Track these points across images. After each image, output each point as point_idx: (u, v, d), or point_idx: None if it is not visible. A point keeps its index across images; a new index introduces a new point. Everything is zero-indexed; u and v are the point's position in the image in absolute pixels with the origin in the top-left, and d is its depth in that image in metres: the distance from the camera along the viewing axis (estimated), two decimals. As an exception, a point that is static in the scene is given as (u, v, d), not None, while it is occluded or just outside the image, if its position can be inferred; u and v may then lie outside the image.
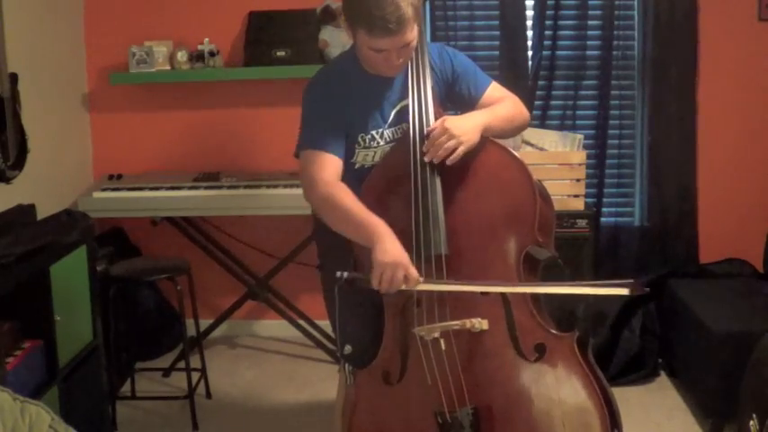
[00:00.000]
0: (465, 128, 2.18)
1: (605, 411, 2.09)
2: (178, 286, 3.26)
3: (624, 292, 2.06)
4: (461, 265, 2.18)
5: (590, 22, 3.90)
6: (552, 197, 2.33)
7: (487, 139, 2.25)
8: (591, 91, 3.96)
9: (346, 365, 2.24)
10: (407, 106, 2.27)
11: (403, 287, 2.06)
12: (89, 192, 3.71)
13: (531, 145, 3.61)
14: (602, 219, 3.98)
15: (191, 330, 3.59)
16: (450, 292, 2.15)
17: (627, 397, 3.34)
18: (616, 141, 3.98)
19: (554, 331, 2.16)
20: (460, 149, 2.15)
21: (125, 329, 3.59)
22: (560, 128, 3.88)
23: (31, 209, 3.02)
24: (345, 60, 2.37)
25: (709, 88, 3.88)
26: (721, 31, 3.84)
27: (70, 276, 2.83)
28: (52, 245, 2.71)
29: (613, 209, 4.07)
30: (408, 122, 2.25)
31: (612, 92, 3.93)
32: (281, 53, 3.79)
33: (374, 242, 2.06)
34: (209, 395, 3.59)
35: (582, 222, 3.50)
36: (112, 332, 3.25)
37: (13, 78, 3.04)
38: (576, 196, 3.54)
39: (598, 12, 3.89)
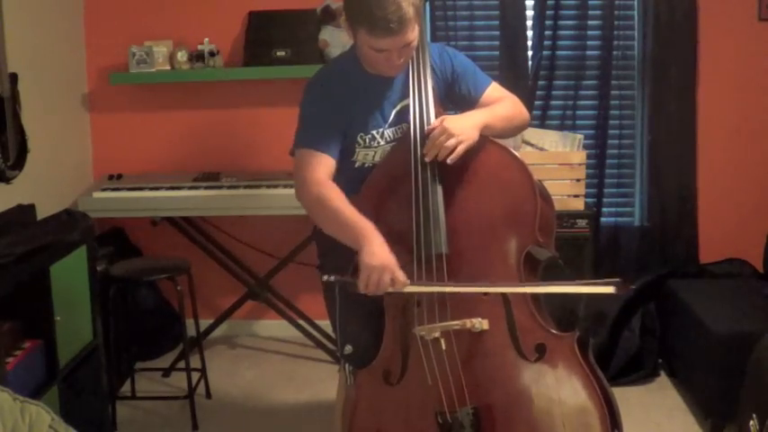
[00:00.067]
0: (464, 127, 2.18)
1: (605, 411, 2.09)
2: (178, 286, 3.26)
3: (610, 290, 2.07)
4: (462, 265, 2.18)
5: (590, 22, 3.90)
6: (552, 197, 2.33)
7: (488, 138, 2.25)
8: (591, 91, 3.96)
9: (346, 365, 2.24)
10: (408, 106, 2.28)
11: (390, 290, 2.06)
12: (89, 192, 3.71)
13: (531, 145, 3.61)
14: (602, 219, 3.98)
15: (191, 330, 3.59)
16: (450, 293, 2.15)
17: (627, 397, 3.34)
18: (616, 141, 3.98)
19: (554, 331, 2.16)
20: (460, 148, 2.15)
21: (125, 329, 3.59)
22: (560, 128, 3.88)
23: (31, 209, 3.02)
24: (346, 60, 2.37)
25: (709, 88, 3.88)
26: (721, 31, 3.84)
27: (70, 276, 2.83)
28: (52, 245, 2.71)
29: (613, 209, 4.07)
30: (409, 122, 2.26)
31: (612, 92, 3.93)
32: (281, 53, 3.80)
33: (361, 245, 2.07)
34: (209, 395, 3.59)
35: (582, 222, 3.50)
36: (112, 332, 3.25)
37: (13, 78, 3.04)
38: (576, 196, 3.54)
39: (598, 12, 3.89)
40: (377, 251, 2.06)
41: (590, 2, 3.87)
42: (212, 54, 3.87)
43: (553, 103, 3.97)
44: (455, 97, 2.40)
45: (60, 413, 2.12)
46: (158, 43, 3.88)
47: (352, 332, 2.27)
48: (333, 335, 3.60)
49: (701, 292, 3.47)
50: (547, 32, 3.89)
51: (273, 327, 4.21)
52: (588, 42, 3.92)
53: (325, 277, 2.12)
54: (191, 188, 3.69)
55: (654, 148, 3.92)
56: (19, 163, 3.09)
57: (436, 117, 2.24)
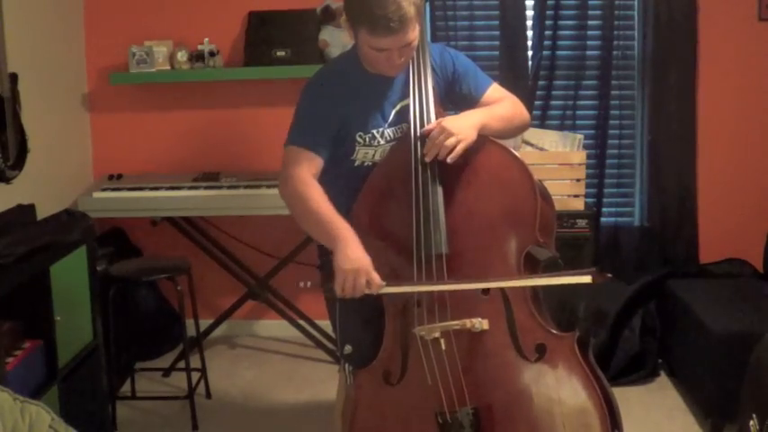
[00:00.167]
0: (462, 126, 2.18)
1: (605, 411, 2.09)
2: (178, 286, 3.26)
3: (587, 279, 2.06)
4: (462, 265, 2.18)
5: (590, 22, 3.90)
6: (552, 197, 2.33)
7: (488, 138, 2.25)
8: (591, 91, 3.96)
9: (346, 365, 2.24)
10: (408, 106, 2.28)
11: (366, 291, 2.07)
12: (89, 192, 3.71)
13: (531, 145, 3.61)
14: (602, 219, 3.98)
15: (191, 330, 3.59)
16: (450, 292, 2.15)
17: (627, 397, 3.34)
18: (616, 141, 3.98)
19: (554, 331, 2.16)
20: (460, 147, 2.15)
21: (125, 329, 3.58)
22: (560, 128, 3.88)
23: (31, 209, 3.02)
24: (346, 60, 2.37)
25: (709, 88, 3.88)
26: (721, 31, 3.84)
27: (70, 276, 2.83)
28: (52, 245, 2.71)
29: (613, 209, 4.07)
30: (409, 122, 2.26)
31: (612, 92, 3.93)
32: (281, 53, 3.79)
33: (336, 247, 2.09)
34: (209, 395, 3.59)
35: (582, 222, 3.50)
36: (112, 332, 3.25)
37: (13, 78, 3.04)
38: (576, 196, 3.54)
39: (598, 12, 3.89)
40: (351, 254, 2.07)
41: (590, 2, 3.87)
42: (212, 54, 3.87)
43: (553, 103, 3.97)
44: (456, 97, 2.40)
45: (60, 413, 2.12)
46: (158, 43, 3.88)
47: (352, 332, 2.27)
48: (333, 335, 3.60)
49: (701, 292, 3.47)
50: (547, 32, 3.89)
51: (273, 327, 4.21)
52: (588, 42, 3.92)
53: (302, 283, 2.13)
54: (191, 188, 3.69)
55: (654, 148, 3.92)
56: (19, 163, 3.09)
57: (436, 117, 2.24)
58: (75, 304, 2.88)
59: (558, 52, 3.93)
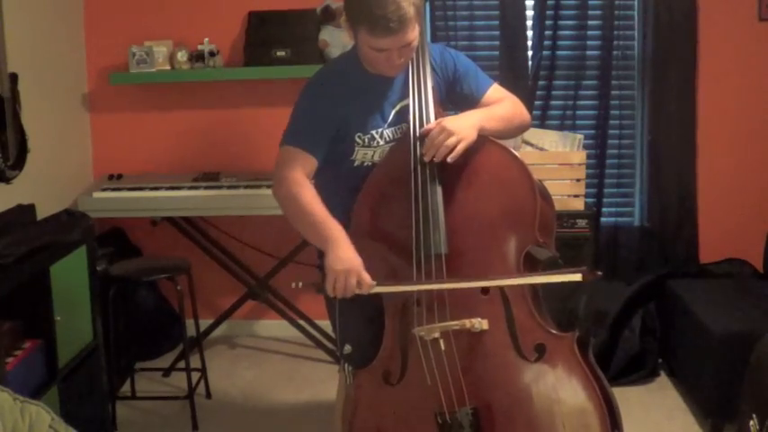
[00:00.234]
0: (462, 126, 2.18)
1: (605, 411, 2.09)
2: (178, 286, 3.26)
3: (577, 277, 2.07)
4: (462, 265, 2.18)
5: (590, 22, 3.90)
6: (552, 197, 2.33)
7: (487, 138, 2.24)
8: (591, 91, 3.96)
9: (346, 365, 2.24)
10: (407, 106, 2.27)
11: (357, 291, 2.08)
12: (89, 192, 3.71)
13: (531, 145, 3.61)
14: (602, 219, 3.98)
15: (191, 330, 3.58)
16: (450, 292, 2.15)
17: (627, 397, 3.34)
18: (616, 141, 3.98)
19: (554, 331, 2.16)
20: (460, 146, 2.15)
21: (125, 329, 3.59)
22: (560, 128, 3.88)
23: (31, 209, 3.02)
24: (347, 60, 2.37)
25: (709, 88, 3.88)
26: (721, 31, 3.84)
27: (70, 276, 2.83)
28: (52, 245, 2.71)
29: (613, 209, 4.07)
30: (408, 122, 2.25)
31: (612, 92, 3.93)
32: (281, 53, 3.79)
33: (327, 248, 2.10)
34: (209, 395, 3.59)
35: (582, 222, 3.50)
36: (112, 332, 3.25)
37: (13, 78, 3.04)
38: (576, 196, 3.54)
39: (598, 12, 3.89)
40: (342, 255, 2.08)
41: (590, 2, 3.87)
42: (212, 54, 3.87)
43: (553, 103, 3.97)
44: (456, 97, 2.40)
45: (60, 413, 2.12)
46: (158, 43, 3.88)
47: (351, 332, 2.27)
48: (333, 335, 3.60)
49: (701, 292, 3.47)
50: (547, 32, 3.89)
51: (273, 327, 4.21)
52: (588, 42, 3.92)
53: (294, 284, 2.14)
54: (191, 188, 3.69)
55: (654, 148, 3.92)
56: (19, 163, 3.09)
57: (436, 117, 2.24)
58: (75, 304, 2.88)
59: (558, 52, 3.93)
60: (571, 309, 3.22)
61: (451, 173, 2.21)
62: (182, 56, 3.87)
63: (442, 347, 2.13)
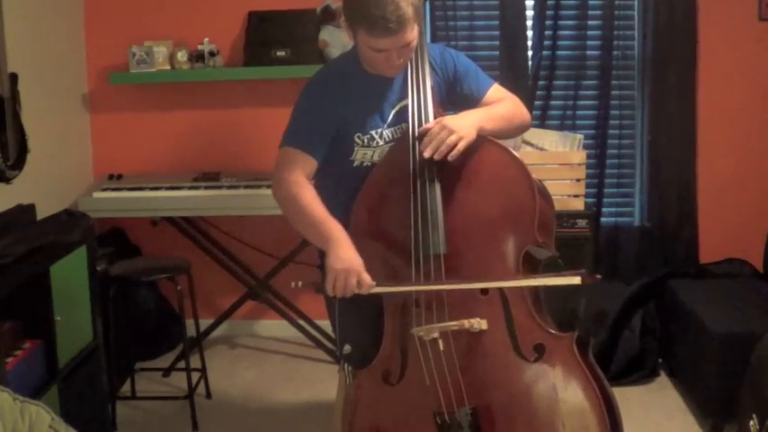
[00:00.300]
0: (462, 124, 2.18)
1: (604, 412, 2.09)
2: (178, 286, 3.26)
3: (576, 281, 2.07)
4: (461, 265, 2.17)
5: (590, 22, 3.90)
6: (552, 197, 2.33)
7: (486, 138, 2.24)
8: (591, 91, 3.96)
9: (346, 365, 2.24)
10: (407, 106, 2.27)
11: (357, 291, 2.08)
12: (89, 192, 3.71)
13: (531, 145, 3.61)
14: (602, 219, 3.98)
15: (191, 330, 3.59)
16: (448, 293, 2.15)
17: (627, 397, 3.34)
18: (616, 141, 3.98)
19: (553, 331, 2.16)
20: (461, 145, 2.15)
21: (125, 329, 3.59)
22: (560, 128, 3.88)
23: (31, 209, 3.02)
24: (346, 60, 2.37)
25: (709, 88, 3.88)
26: (721, 31, 3.84)
27: (70, 276, 2.83)
28: (52, 245, 2.71)
29: (613, 209, 4.07)
30: (408, 122, 2.25)
31: (612, 92, 3.93)
32: (281, 53, 3.79)
33: (328, 248, 2.10)
34: (209, 395, 3.59)
35: (582, 222, 3.50)
36: (112, 332, 3.25)
37: (13, 78, 3.04)
38: (576, 196, 3.54)
39: (598, 12, 3.89)
40: (342, 255, 2.08)
41: (590, 2, 3.87)
42: (212, 54, 3.87)
43: (553, 103, 3.97)
44: (456, 98, 2.40)
45: (60, 413, 2.12)
46: (158, 43, 3.88)
47: (351, 332, 2.27)
48: (332, 335, 3.60)
49: (701, 292, 3.47)
50: (547, 32, 3.89)
51: (273, 327, 4.21)
52: (588, 42, 3.92)
53: (293, 284, 2.14)
54: (191, 188, 3.69)
55: (654, 148, 3.92)
56: (19, 163, 3.09)
57: (435, 117, 2.24)
58: (75, 304, 2.88)
59: (558, 52, 3.93)
60: (572, 309, 3.22)
61: (450, 173, 2.20)
62: (182, 56, 3.87)
63: (441, 348, 2.13)
